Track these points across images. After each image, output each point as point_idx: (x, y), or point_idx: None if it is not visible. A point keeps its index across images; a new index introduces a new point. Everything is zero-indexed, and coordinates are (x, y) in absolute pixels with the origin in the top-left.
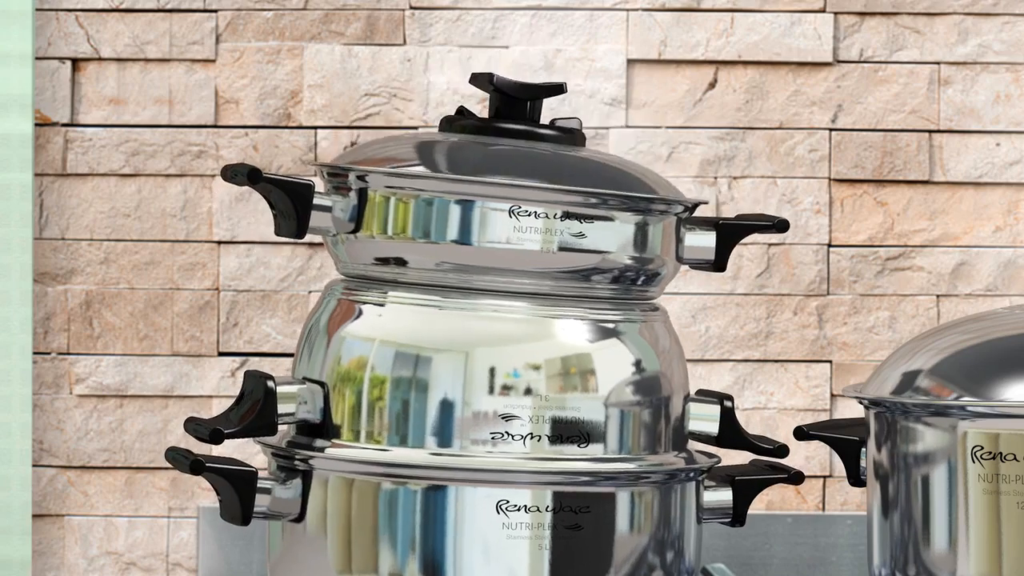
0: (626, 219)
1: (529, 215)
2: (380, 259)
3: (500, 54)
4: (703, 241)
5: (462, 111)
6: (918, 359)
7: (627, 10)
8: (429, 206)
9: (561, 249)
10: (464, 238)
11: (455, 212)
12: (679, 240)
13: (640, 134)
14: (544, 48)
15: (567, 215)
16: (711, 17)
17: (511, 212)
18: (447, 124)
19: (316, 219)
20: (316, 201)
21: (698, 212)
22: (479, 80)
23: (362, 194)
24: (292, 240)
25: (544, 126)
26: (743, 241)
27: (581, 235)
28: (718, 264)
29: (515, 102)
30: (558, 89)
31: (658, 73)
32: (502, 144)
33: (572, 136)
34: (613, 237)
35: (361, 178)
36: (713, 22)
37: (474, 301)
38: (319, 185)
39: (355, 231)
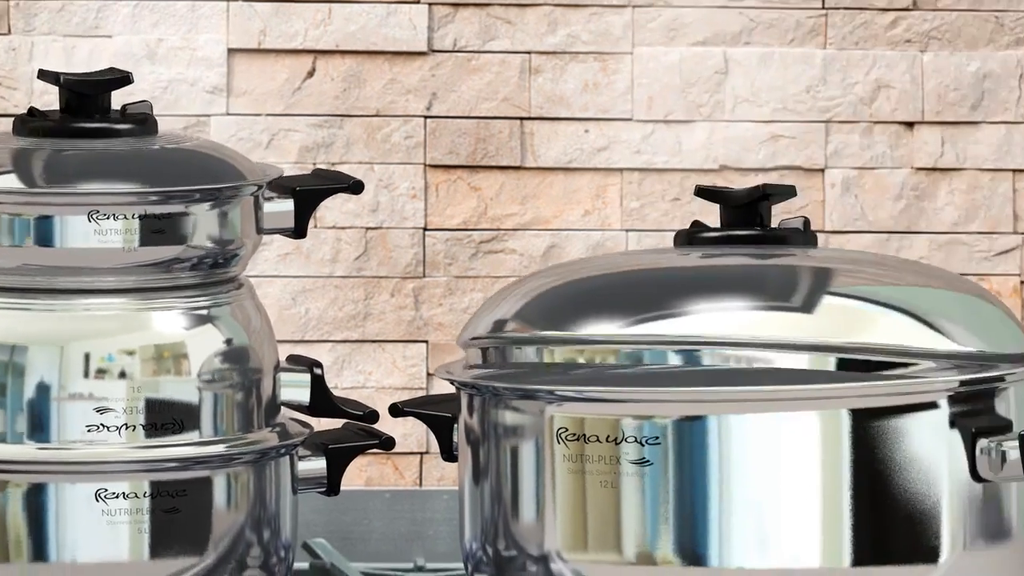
0: (201, 209)
1: (108, 218)
2: None
3: (104, 43)
4: (282, 208)
5: (32, 112)
6: (502, 306)
7: (227, 0)
8: (10, 216)
9: (143, 245)
10: (46, 242)
11: (36, 222)
12: (258, 216)
13: (240, 121)
14: (147, 37)
15: (145, 215)
16: (310, 8)
17: (90, 216)
18: (20, 125)
19: None
20: None
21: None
22: (47, 76)
23: None
24: None
25: (116, 119)
26: (341, 225)
27: (160, 231)
28: (298, 231)
29: (84, 96)
30: (124, 81)
31: (258, 62)
32: (78, 147)
33: (146, 126)
34: (192, 227)
35: None
36: (312, 12)
37: (64, 301)
38: None
39: None
